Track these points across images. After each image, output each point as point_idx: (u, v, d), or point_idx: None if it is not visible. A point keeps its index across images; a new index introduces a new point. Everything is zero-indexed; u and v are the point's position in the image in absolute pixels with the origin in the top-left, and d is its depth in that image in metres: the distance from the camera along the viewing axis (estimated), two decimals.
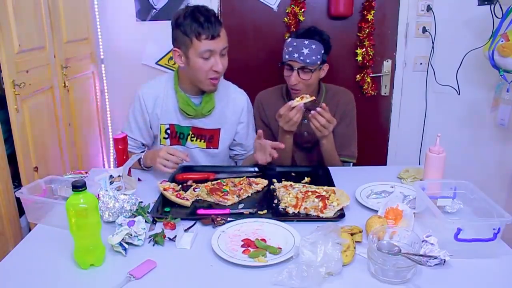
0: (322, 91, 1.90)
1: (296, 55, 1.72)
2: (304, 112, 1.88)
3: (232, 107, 1.80)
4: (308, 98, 1.63)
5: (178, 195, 1.42)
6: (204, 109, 1.71)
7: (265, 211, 1.36)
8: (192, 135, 1.79)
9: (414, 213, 1.26)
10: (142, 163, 1.70)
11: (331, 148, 1.77)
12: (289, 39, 1.78)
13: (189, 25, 1.53)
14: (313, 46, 1.72)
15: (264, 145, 1.61)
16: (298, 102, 1.61)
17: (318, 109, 1.61)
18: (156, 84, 1.78)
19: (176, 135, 1.78)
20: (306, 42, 1.72)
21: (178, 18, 1.58)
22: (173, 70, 1.80)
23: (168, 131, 1.77)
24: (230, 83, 1.88)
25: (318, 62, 1.75)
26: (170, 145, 1.78)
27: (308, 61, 1.72)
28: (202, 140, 1.80)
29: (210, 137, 1.80)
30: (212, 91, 1.69)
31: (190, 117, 1.73)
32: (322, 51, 1.75)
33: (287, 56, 1.76)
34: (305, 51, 1.71)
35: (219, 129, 1.79)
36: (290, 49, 1.74)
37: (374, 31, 2.52)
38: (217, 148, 1.82)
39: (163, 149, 1.58)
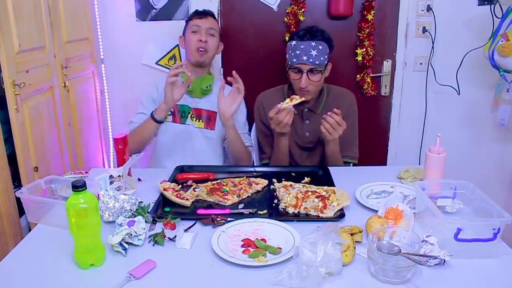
0: (324, 92, 1.90)
1: (305, 57, 1.71)
2: (306, 112, 1.88)
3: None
4: (297, 100, 1.64)
5: (178, 195, 1.42)
6: (203, 83, 1.95)
7: (265, 211, 1.36)
8: (192, 114, 1.98)
9: (414, 213, 1.27)
10: (155, 115, 1.77)
11: (336, 150, 1.78)
12: (294, 42, 1.76)
13: (191, 15, 1.97)
14: (320, 47, 1.72)
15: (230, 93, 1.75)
16: (287, 104, 1.61)
17: (329, 113, 1.62)
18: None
19: (179, 113, 1.98)
20: (313, 44, 1.71)
21: (187, 17, 2.01)
22: None
23: (172, 109, 1.94)
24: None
25: (326, 62, 1.75)
26: (172, 122, 1.98)
27: (317, 62, 1.71)
28: (201, 120, 2.00)
29: (208, 118, 2.00)
30: (200, 62, 1.94)
31: (190, 92, 1.95)
32: (328, 50, 1.76)
33: (294, 60, 1.74)
34: (314, 52, 1.71)
35: (215, 112, 1.97)
36: (298, 52, 1.72)
37: (374, 31, 2.52)
38: (214, 130, 2.00)
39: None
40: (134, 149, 1.76)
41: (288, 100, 1.64)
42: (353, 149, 1.92)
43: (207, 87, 1.95)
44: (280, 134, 1.73)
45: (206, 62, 1.97)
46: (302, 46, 1.72)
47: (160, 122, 1.80)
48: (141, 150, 1.85)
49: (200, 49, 1.91)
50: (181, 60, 2.55)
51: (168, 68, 2.57)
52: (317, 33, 1.75)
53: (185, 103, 1.97)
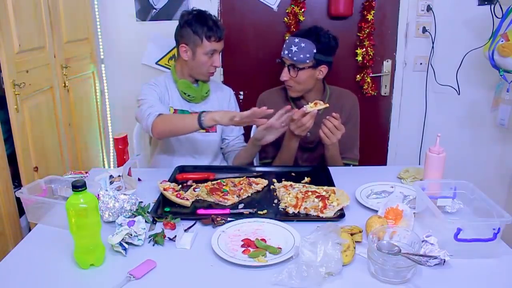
0: (326, 93, 1.90)
1: (286, 52, 1.77)
2: None
3: (221, 94, 2.00)
4: (321, 105, 1.64)
5: (178, 195, 1.42)
6: (203, 90, 1.89)
7: (265, 211, 1.36)
8: None
9: (414, 213, 1.26)
10: (202, 121, 1.59)
11: (336, 154, 1.79)
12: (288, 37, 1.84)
13: (201, 27, 1.77)
14: (302, 45, 1.73)
15: (269, 125, 1.61)
16: (312, 108, 1.62)
17: (328, 117, 1.63)
18: (158, 80, 1.93)
19: None
20: (296, 40, 1.75)
21: (187, 19, 1.79)
22: (169, 69, 1.96)
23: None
24: (216, 82, 2.13)
25: (308, 61, 1.74)
26: None
27: (295, 58, 1.74)
28: None
29: None
30: (206, 81, 1.91)
31: (191, 100, 1.88)
32: (314, 51, 1.74)
33: (281, 53, 1.81)
34: (294, 48, 1.74)
35: None
36: (284, 46, 1.80)
37: (374, 31, 2.52)
38: (216, 132, 1.96)
39: (234, 113, 1.60)
40: (165, 134, 1.73)
41: (312, 104, 1.64)
42: (354, 151, 1.92)
43: (206, 92, 1.91)
44: (294, 137, 1.73)
45: None
46: (287, 41, 1.79)
47: (204, 129, 1.65)
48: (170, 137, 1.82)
49: (212, 72, 1.87)
50: None
51: (168, 68, 2.57)
52: (310, 33, 1.76)
53: (184, 108, 1.90)
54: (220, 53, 1.87)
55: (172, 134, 1.77)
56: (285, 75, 1.79)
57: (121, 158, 1.57)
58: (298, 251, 1.04)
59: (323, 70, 1.81)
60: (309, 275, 0.99)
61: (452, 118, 2.67)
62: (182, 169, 1.71)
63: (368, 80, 2.59)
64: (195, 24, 1.77)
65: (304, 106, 1.63)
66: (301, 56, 1.73)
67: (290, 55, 1.75)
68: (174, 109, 1.90)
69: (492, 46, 2.13)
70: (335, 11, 2.45)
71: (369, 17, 2.47)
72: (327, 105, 1.66)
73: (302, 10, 2.46)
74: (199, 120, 1.60)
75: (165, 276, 1.06)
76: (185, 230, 1.23)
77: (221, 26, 1.81)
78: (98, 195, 1.28)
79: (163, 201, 1.43)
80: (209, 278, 1.05)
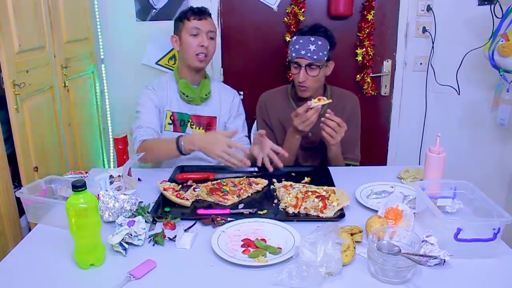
0: (328, 94, 1.90)
1: (303, 52, 1.73)
2: None
3: (224, 97, 1.98)
4: (325, 101, 1.64)
5: (178, 195, 1.42)
6: (202, 92, 1.87)
7: (265, 211, 1.36)
8: (192, 123, 1.91)
9: (414, 213, 1.27)
10: (182, 146, 1.61)
11: (338, 153, 1.78)
12: (295, 37, 1.79)
13: (184, 12, 1.84)
14: (319, 43, 1.74)
15: (264, 142, 1.61)
16: (316, 103, 1.63)
17: (327, 115, 1.62)
18: (160, 81, 1.95)
19: (178, 122, 1.89)
20: (312, 39, 1.74)
21: (179, 14, 1.88)
22: (173, 70, 1.95)
23: (172, 118, 1.89)
24: (222, 83, 2.10)
25: (325, 59, 1.76)
26: (173, 131, 1.88)
27: (315, 57, 1.73)
28: (201, 128, 1.92)
29: (208, 124, 1.93)
30: (199, 67, 1.85)
31: (190, 101, 1.87)
32: (328, 47, 1.77)
33: (294, 54, 1.76)
34: (312, 47, 1.73)
35: (215, 117, 1.94)
36: (297, 46, 1.75)
37: (374, 31, 2.52)
38: None
39: (224, 139, 1.55)
40: (151, 161, 1.80)
41: (315, 100, 1.65)
42: (355, 151, 1.92)
43: (206, 94, 1.89)
44: (297, 133, 1.73)
45: (205, 67, 1.90)
46: (301, 41, 1.75)
47: (185, 155, 1.65)
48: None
49: (201, 54, 1.81)
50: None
51: (168, 68, 2.58)
52: (320, 29, 1.77)
53: (184, 111, 1.89)
54: (213, 39, 1.83)
55: (159, 161, 1.79)
56: (303, 76, 1.75)
57: (121, 158, 1.57)
58: (298, 251, 1.04)
59: (330, 66, 1.83)
60: (309, 275, 0.99)
61: (452, 118, 2.67)
62: (182, 169, 1.71)
63: (368, 80, 2.59)
64: (181, 13, 1.86)
65: (308, 102, 1.64)
66: (320, 54, 1.74)
67: (309, 54, 1.72)
68: (172, 112, 1.88)
69: (492, 46, 2.13)
70: (335, 11, 2.45)
71: (369, 17, 2.47)
72: (331, 100, 1.67)
73: (302, 10, 2.46)
74: (178, 144, 1.61)
75: (165, 276, 1.06)
76: (185, 230, 1.23)
77: (205, 11, 1.83)
78: (98, 195, 1.28)
79: (163, 201, 1.43)
80: (209, 278, 1.05)
